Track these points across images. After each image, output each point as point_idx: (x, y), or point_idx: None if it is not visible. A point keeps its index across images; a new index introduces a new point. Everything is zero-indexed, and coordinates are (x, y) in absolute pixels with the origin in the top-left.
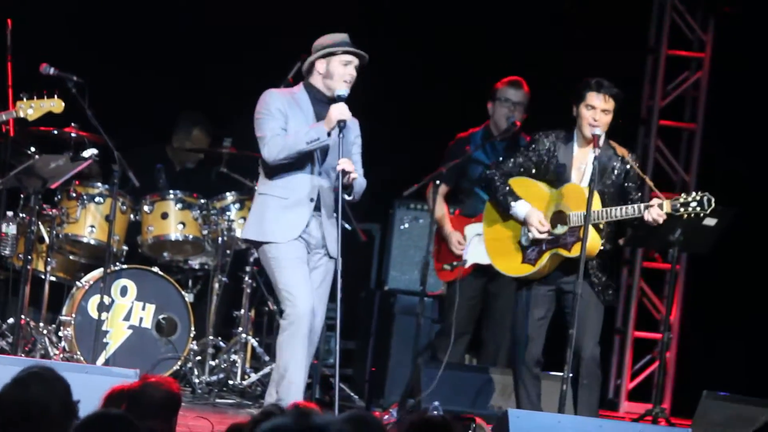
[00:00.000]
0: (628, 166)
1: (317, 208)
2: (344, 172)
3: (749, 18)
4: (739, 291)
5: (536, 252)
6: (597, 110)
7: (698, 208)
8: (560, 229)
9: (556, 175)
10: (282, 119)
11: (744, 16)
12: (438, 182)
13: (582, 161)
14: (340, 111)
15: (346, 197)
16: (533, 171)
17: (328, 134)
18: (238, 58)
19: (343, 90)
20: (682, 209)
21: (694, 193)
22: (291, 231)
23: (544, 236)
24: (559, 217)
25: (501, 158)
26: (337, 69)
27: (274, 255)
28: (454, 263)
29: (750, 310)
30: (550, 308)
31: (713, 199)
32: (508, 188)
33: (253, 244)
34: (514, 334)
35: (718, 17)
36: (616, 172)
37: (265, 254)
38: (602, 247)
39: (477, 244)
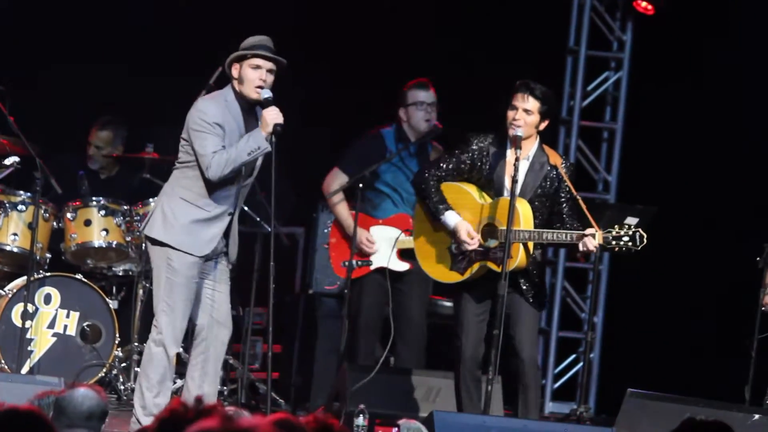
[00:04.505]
0: (559, 175)
1: (231, 220)
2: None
3: (667, 18)
4: (660, 289)
5: (465, 261)
6: (519, 110)
7: (629, 243)
8: (491, 243)
9: (488, 180)
10: (221, 132)
11: (662, 15)
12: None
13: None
14: (274, 115)
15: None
16: (466, 174)
17: (267, 140)
18: (158, 65)
19: (267, 92)
20: (614, 242)
21: (626, 227)
22: (204, 247)
23: (473, 247)
24: (490, 231)
25: (434, 161)
26: (248, 74)
27: (174, 266)
28: (359, 262)
29: (672, 308)
30: (485, 310)
31: (645, 236)
32: (439, 196)
33: (152, 241)
34: (453, 336)
35: (637, 18)
36: (548, 180)
37: (165, 258)
38: (532, 258)
39: (386, 248)
